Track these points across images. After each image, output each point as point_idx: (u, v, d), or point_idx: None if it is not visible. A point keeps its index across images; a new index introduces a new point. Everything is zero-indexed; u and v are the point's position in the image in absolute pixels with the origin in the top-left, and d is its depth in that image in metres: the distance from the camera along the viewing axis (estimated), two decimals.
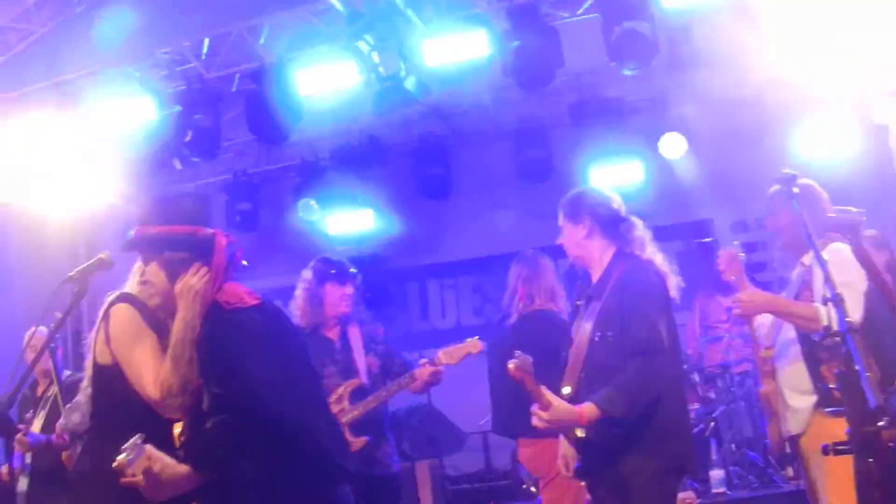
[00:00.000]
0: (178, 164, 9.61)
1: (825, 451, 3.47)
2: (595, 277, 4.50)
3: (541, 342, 5.68)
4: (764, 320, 4.82)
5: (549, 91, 10.48)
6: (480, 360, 6.42)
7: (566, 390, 4.30)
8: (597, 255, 4.52)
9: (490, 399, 6.38)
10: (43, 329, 6.20)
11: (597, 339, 4.27)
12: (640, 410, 4.05)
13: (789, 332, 4.60)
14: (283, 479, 3.31)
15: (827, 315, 4.20)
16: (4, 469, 6.99)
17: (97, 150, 9.41)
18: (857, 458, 3.23)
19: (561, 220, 4.62)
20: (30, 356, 5.93)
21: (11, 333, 4.98)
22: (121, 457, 3.07)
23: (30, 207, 9.84)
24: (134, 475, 3.08)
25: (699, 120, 9.87)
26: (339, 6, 8.37)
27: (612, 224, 4.52)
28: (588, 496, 4.44)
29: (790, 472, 7.62)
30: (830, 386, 4.26)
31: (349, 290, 5.82)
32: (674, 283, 4.42)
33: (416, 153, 11.01)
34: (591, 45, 8.48)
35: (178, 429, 3.31)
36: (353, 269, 5.89)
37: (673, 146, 9.87)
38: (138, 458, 3.09)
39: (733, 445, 8.09)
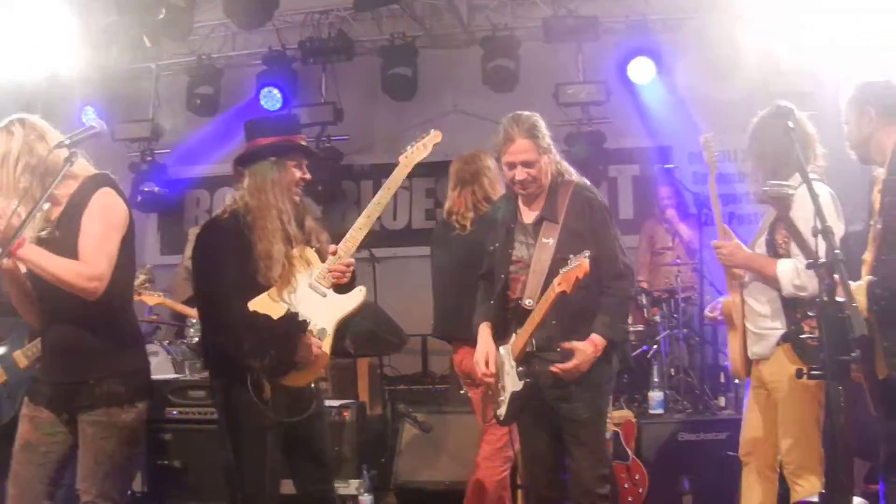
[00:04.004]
0: (147, 42, 9.39)
1: (799, 374, 3.64)
2: (541, 199, 4.67)
3: None
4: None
5: (524, 2, 10.50)
6: (424, 264, 6.51)
7: (529, 302, 4.48)
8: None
9: (433, 304, 6.33)
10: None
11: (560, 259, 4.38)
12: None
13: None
14: None
15: (792, 278, 4.38)
16: None
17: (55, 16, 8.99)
18: (829, 385, 3.40)
19: (531, 151, 4.63)
20: None
21: None
22: None
23: None
24: None
25: (671, 47, 9.95)
26: None
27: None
28: None
29: (722, 401, 7.88)
30: (803, 335, 4.41)
31: None
32: None
33: (385, 52, 10.90)
34: None
35: None
36: None
37: (642, 70, 9.92)
38: None
39: (672, 370, 8.30)
